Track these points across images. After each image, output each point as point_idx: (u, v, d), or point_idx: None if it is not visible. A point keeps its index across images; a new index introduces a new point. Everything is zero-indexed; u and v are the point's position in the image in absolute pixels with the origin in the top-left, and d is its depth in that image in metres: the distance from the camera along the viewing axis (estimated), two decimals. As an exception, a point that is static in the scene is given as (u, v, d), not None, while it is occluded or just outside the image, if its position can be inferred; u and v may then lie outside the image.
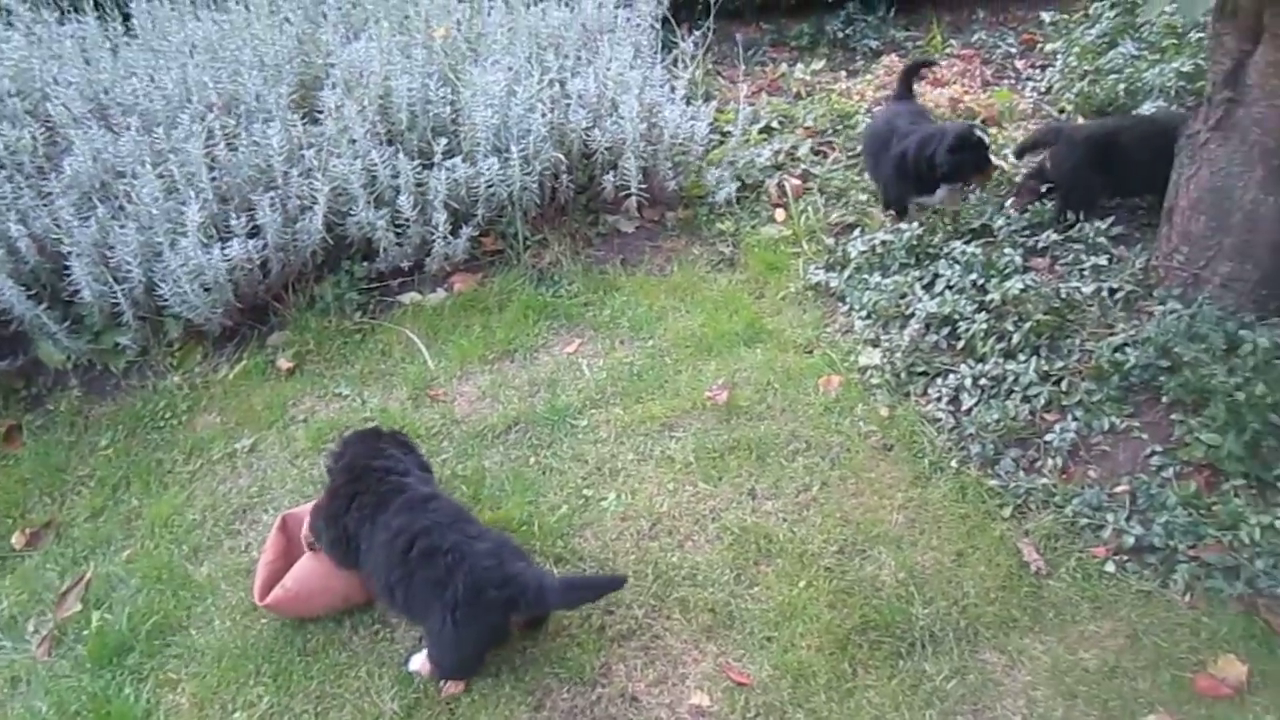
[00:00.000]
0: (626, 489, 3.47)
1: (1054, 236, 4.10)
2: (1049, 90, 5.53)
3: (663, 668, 2.94)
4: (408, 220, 4.24)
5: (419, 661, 2.94)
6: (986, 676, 2.88)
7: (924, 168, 4.20)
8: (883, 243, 4.29)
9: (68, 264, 3.89)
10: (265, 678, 2.99)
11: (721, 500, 3.41)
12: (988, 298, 3.81)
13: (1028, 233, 4.17)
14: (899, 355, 3.83)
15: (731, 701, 2.85)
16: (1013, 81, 5.82)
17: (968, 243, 4.08)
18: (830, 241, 4.54)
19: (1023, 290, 3.75)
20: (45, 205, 4.02)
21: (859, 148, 4.94)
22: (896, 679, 2.88)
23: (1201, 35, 4.80)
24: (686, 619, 3.06)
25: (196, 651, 3.10)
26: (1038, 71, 5.83)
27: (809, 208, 4.74)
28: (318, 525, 3.04)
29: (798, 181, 4.93)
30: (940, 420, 3.62)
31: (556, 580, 2.88)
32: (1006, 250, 3.97)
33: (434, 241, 4.30)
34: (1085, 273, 3.92)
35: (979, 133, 4.19)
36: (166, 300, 3.97)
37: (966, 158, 4.16)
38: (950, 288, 3.94)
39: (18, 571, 3.45)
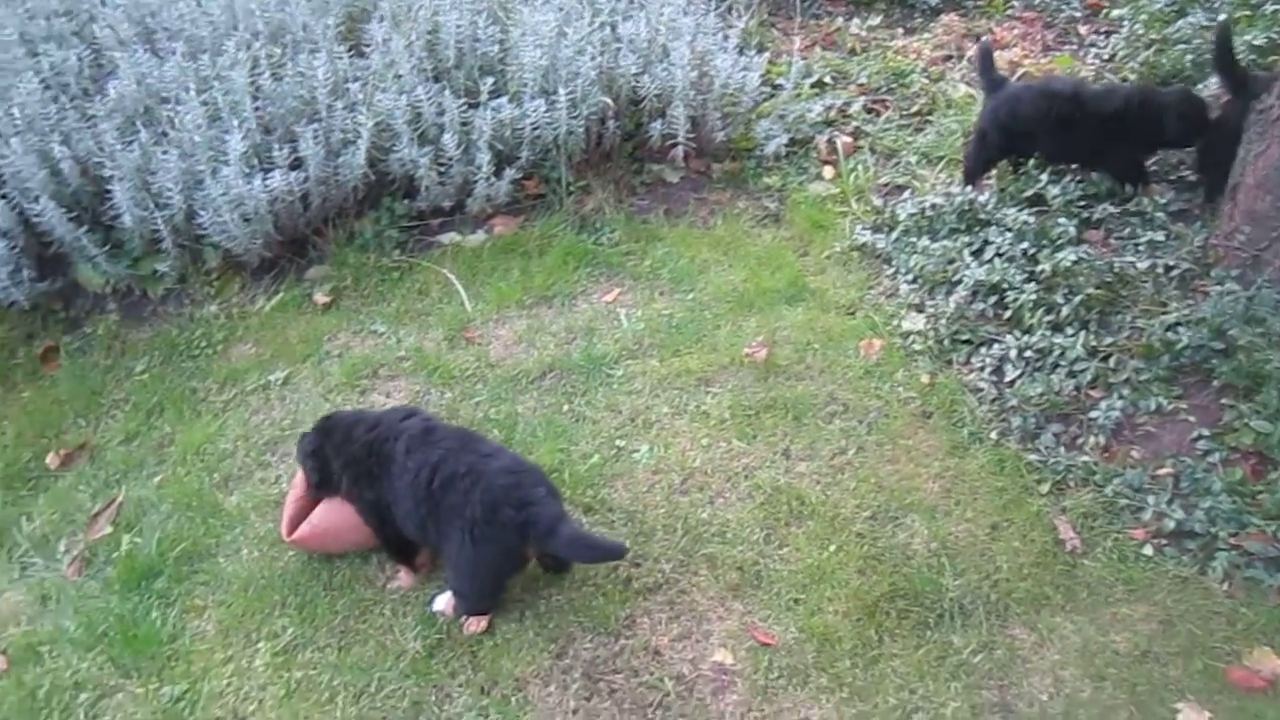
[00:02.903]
0: (659, 442, 3.43)
1: (1110, 209, 3.99)
2: (1112, 58, 5.35)
3: (687, 623, 2.92)
4: (451, 159, 4.18)
5: (443, 602, 2.93)
6: (1015, 653, 2.84)
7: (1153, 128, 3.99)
8: (933, 206, 4.19)
9: (109, 188, 3.87)
10: (290, 609, 3.00)
11: (755, 459, 3.37)
12: (1038, 268, 3.72)
13: (1083, 204, 4.06)
14: (943, 322, 3.75)
15: (755, 661, 2.82)
16: (1075, 47, 5.65)
17: (1020, 210, 3.98)
18: (879, 202, 4.44)
19: (1075, 262, 3.66)
20: (89, 128, 4.00)
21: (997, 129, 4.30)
22: (923, 649, 2.85)
23: (1277, 7, 4.63)
24: (714, 576, 3.03)
25: (223, 579, 3.11)
26: (1101, 38, 5.65)
27: (859, 166, 4.64)
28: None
29: (848, 139, 4.83)
30: (982, 390, 3.55)
31: (570, 527, 2.80)
32: (1060, 220, 3.87)
33: (476, 182, 4.24)
34: (1141, 248, 3.82)
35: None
36: (206, 229, 3.95)
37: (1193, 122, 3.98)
38: (1000, 255, 3.85)
39: (51, 491, 3.47)
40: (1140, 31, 5.26)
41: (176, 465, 3.51)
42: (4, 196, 3.88)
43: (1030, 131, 4.10)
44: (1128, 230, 3.92)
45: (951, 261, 3.93)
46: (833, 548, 3.09)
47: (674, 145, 4.56)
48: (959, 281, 3.85)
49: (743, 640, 2.88)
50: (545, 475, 2.89)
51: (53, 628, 3.03)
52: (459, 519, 2.74)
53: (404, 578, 3.05)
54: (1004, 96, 4.15)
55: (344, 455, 2.97)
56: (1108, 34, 5.65)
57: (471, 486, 2.74)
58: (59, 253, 4.06)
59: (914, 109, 5.07)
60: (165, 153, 3.89)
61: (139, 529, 3.28)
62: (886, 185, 4.58)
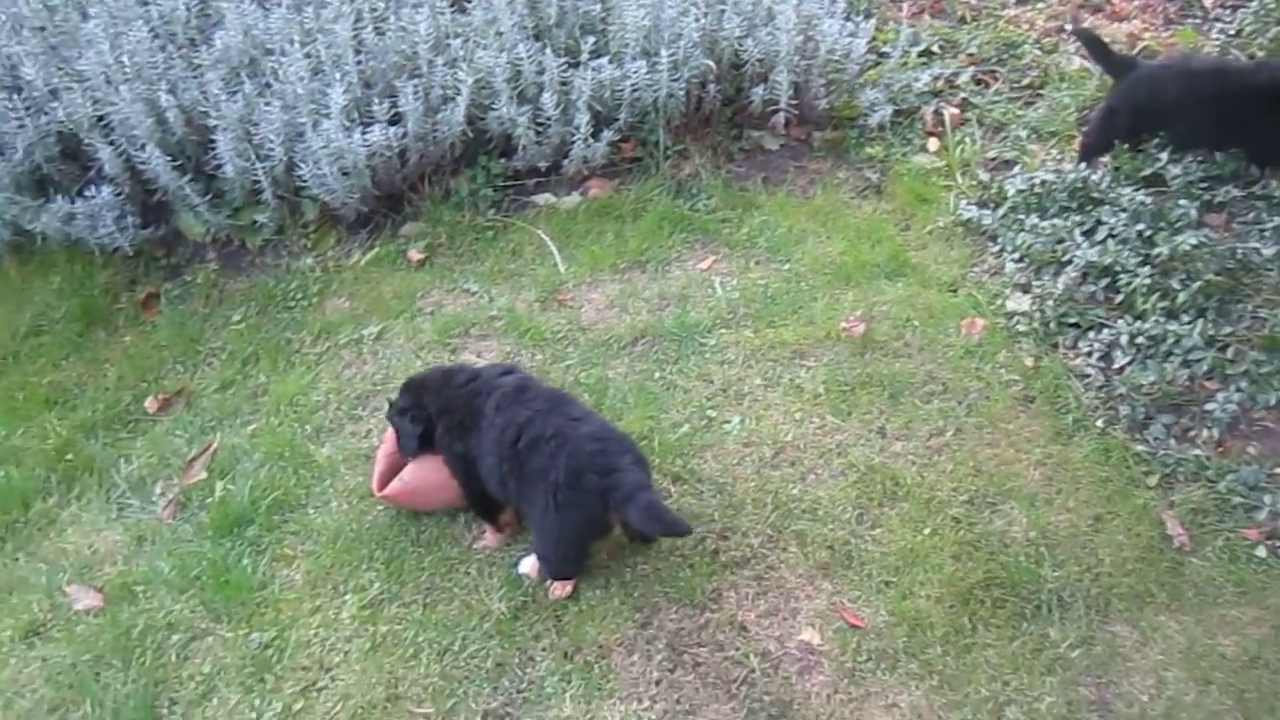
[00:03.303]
0: (751, 414, 3.37)
1: (1234, 192, 3.80)
2: (1239, 33, 5.09)
3: (774, 600, 2.87)
4: (549, 119, 4.13)
5: (529, 564, 2.92)
6: (1115, 650, 2.74)
7: None
8: (1043, 182, 4.03)
9: (213, 138, 3.90)
10: (378, 563, 3.02)
11: (849, 436, 3.29)
12: (1154, 251, 3.56)
13: (1205, 185, 3.87)
14: (1050, 303, 3.62)
15: (843, 642, 2.76)
16: (1198, 21, 5.37)
17: (1137, 190, 3.81)
18: (985, 177, 4.29)
19: (1195, 247, 3.49)
20: (195, 77, 4.03)
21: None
22: (1018, 641, 2.76)
23: None
24: (803, 553, 2.97)
25: (313, 530, 3.14)
26: (1228, 11, 5.37)
27: (965, 139, 4.49)
28: (410, 445, 3.04)
29: (955, 110, 4.67)
30: (1089, 376, 3.42)
31: (647, 497, 2.74)
32: (1181, 202, 3.70)
33: (574, 143, 4.19)
34: (1266, 234, 3.63)
35: None
36: (305, 181, 3.97)
37: None
38: (1113, 237, 3.69)
39: (149, 435, 3.53)
40: (1271, 6, 4.99)
41: (270, 415, 3.54)
42: (112, 143, 3.94)
43: (1166, 113, 3.90)
44: (1252, 215, 3.73)
45: (1061, 241, 3.78)
46: (927, 531, 3.01)
47: (775, 111, 4.45)
48: (1068, 262, 3.70)
49: (831, 620, 2.82)
50: (634, 443, 2.86)
51: (147, 569, 3.09)
52: (543, 482, 2.72)
53: (489, 537, 3.04)
54: (1141, 76, 3.95)
55: (440, 403, 2.98)
56: (1234, 8, 5.37)
57: (557, 450, 2.72)
58: (162, 201, 4.12)
59: (1025, 81, 4.88)
60: (268, 104, 3.91)
61: (232, 476, 3.32)
62: (994, 160, 4.43)
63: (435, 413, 2.98)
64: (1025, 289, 3.74)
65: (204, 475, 3.35)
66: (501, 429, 2.80)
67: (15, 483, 3.36)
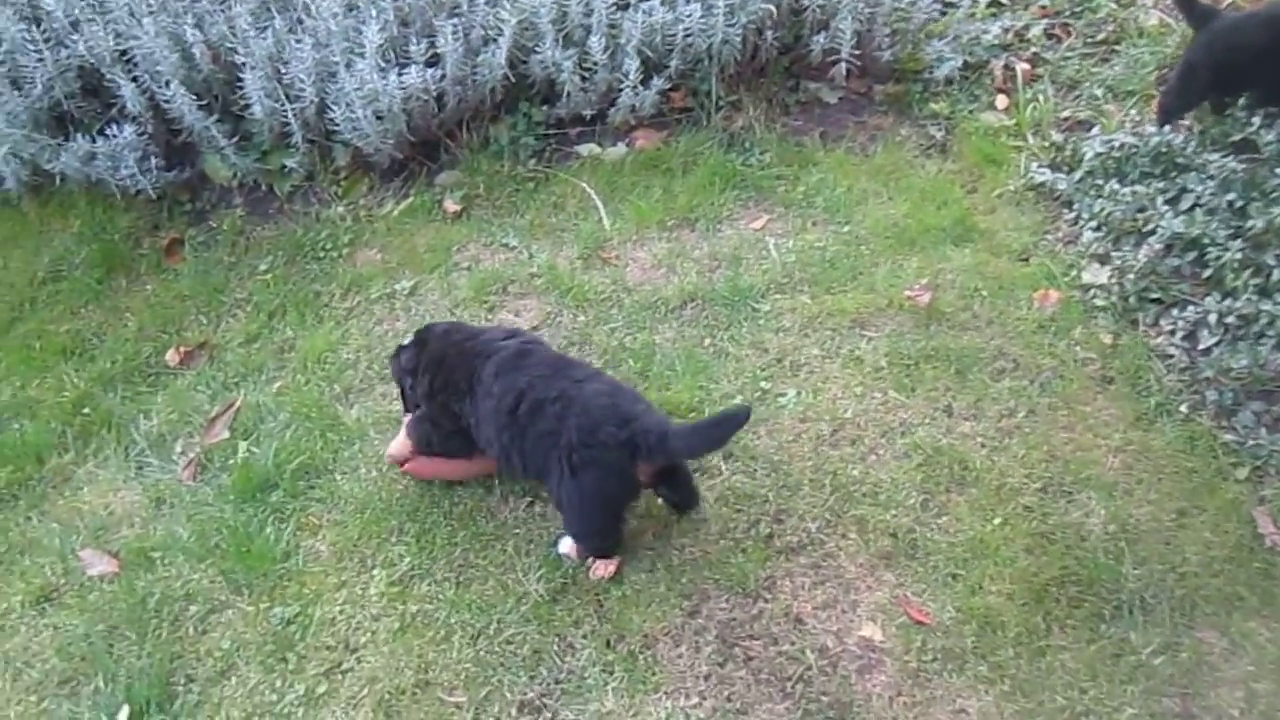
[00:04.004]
0: (808, 387, 3.15)
1: (1336, 161, 3.51)
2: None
3: (833, 590, 2.67)
4: (596, 64, 3.89)
5: (568, 544, 2.73)
6: (1202, 658, 2.52)
7: None
8: (1122, 146, 3.76)
9: (240, 76, 3.69)
10: (408, 537, 2.83)
11: (913, 414, 3.07)
12: (1247, 224, 3.30)
13: (1303, 153, 3.59)
14: (1130, 277, 3.36)
15: (906, 639, 2.56)
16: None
17: (1226, 156, 3.53)
18: (1058, 138, 4.01)
19: (1293, 220, 3.23)
20: (222, 11, 3.80)
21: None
22: (1096, 644, 2.55)
23: None
24: (864, 541, 2.76)
25: (340, 498, 2.96)
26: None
27: (1038, 97, 4.20)
28: (424, 434, 2.85)
29: (1026, 66, 4.38)
30: (1172, 357, 3.17)
31: (681, 427, 2.59)
32: (1278, 171, 3.42)
33: (621, 90, 3.94)
34: (1371, 207, 3.35)
35: None
36: (337, 125, 3.75)
37: None
38: (1200, 206, 3.43)
39: (170, 389, 3.35)
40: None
41: (296, 372, 3.35)
42: (134, 79, 3.72)
43: (1250, 68, 3.61)
44: (1355, 187, 3.45)
45: (1143, 209, 3.51)
46: (997, 520, 2.79)
47: (835, 62, 4.18)
48: (1151, 232, 3.44)
49: (893, 615, 2.62)
50: (643, 397, 2.68)
51: (165, 533, 2.92)
52: (554, 449, 2.53)
53: (399, 446, 2.90)
54: (1221, 27, 3.64)
55: (431, 357, 2.81)
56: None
57: (564, 411, 2.53)
58: (187, 142, 3.92)
59: (1100, 36, 4.57)
60: (299, 41, 3.68)
61: (256, 437, 3.15)
62: (1067, 120, 4.14)
63: (424, 367, 2.80)
64: (1103, 260, 3.49)
65: (226, 435, 3.18)
66: (499, 397, 2.61)
67: (29, 437, 3.20)
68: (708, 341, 3.31)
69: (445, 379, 2.74)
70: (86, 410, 3.28)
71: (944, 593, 2.66)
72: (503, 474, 2.91)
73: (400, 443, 2.90)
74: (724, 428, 2.57)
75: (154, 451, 3.17)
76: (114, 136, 3.68)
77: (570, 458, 2.50)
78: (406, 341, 2.89)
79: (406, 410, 2.94)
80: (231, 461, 3.09)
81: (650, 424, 2.50)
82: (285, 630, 2.66)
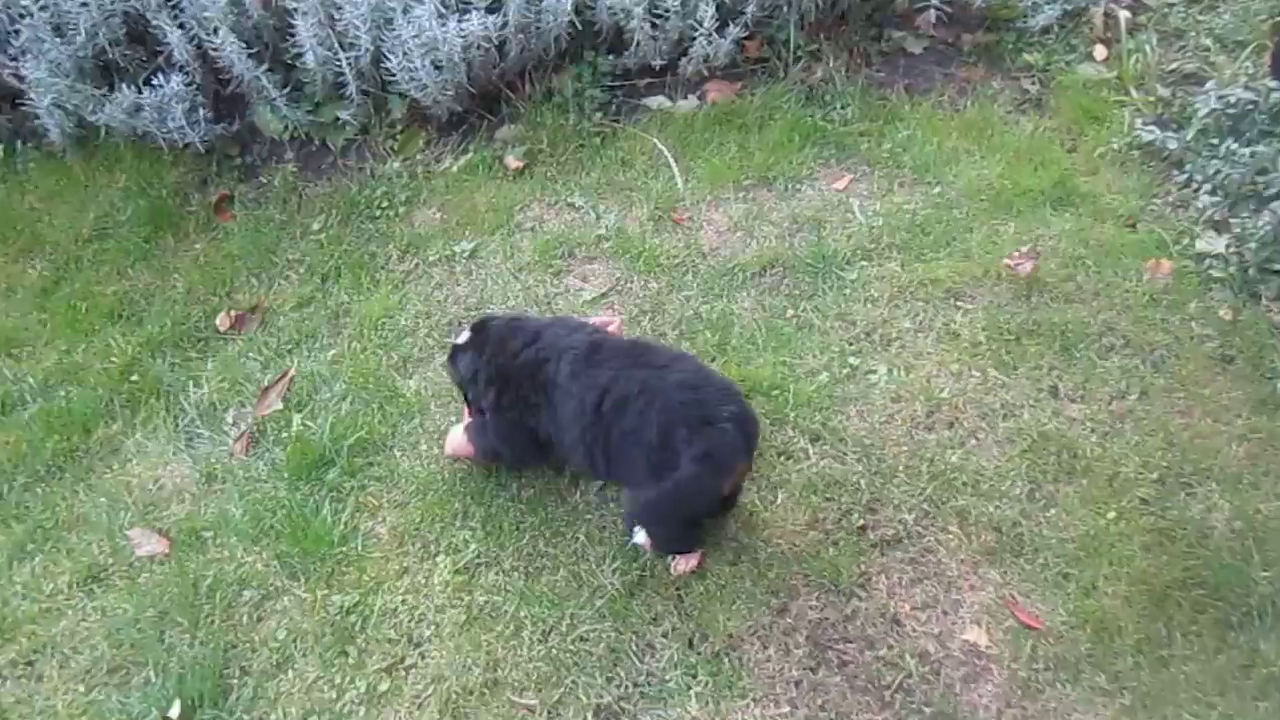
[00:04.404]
0: (900, 363, 2.93)
1: None
2: None
3: (933, 589, 2.47)
4: (667, 11, 3.62)
5: (643, 535, 2.53)
6: (1342, 671, 2.30)
7: None
8: (1238, 101, 3.45)
9: (292, 22, 3.46)
10: (473, 522, 2.65)
11: (1016, 394, 2.83)
12: (1382, 188, 3.01)
13: None
14: (1251, 246, 3.09)
15: (1015, 646, 2.36)
16: None
17: (1358, 114, 3.24)
18: (1164, 92, 3.71)
19: None
20: (274, -48, 3.58)
21: None
22: (1224, 655, 2.34)
23: None
24: (965, 535, 2.55)
25: (400, 477, 2.79)
26: None
27: (1142, 47, 3.88)
28: (489, 450, 2.65)
29: (1128, 13, 4.06)
30: (1300, 335, 2.92)
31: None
32: None
33: (694, 39, 3.69)
34: None
35: None
36: (394, 75, 3.53)
37: None
38: (1329, 169, 3.14)
39: (220, 356, 3.18)
40: None
41: (352, 339, 3.17)
42: (181, 26, 3.52)
43: None
44: None
45: (1264, 172, 3.22)
46: (1111, 515, 2.57)
47: (923, 9, 3.89)
48: (1273, 197, 3.16)
49: (1000, 618, 2.41)
50: (737, 391, 2.43)
51: (217, 512, 2.76)
52: (636, 447, 2.32)
53: (458, 443, 2.71)
54: None
55: (492, 370, 2.55)
56: None
57: (646, 407, 2.31)
58: (236, 93, 3.71)
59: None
60: (354, -15, 3.45)
61: (310, 409, 2.97)
62: (1173, 73, 3.83)
63: (488, 383, 2.55)
64: (1220, 227, 3.22)
65: (280, 406, 3.00)
66: (579, 396, 2.39)
67: (75, 405, 3.04)
68: (790, 312, 3.08)
69: (514, 394, 2.51)
70: (135, 378, 3.11)
71: (1054, 594, 2.44)
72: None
73: (459, 442, 2.71)
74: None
75: (204, 422, 3.01)
76: (160, 87, 3.48)
77: (651, 458, 2.29)
78: (462, 339, 2.65)
79: (471, 413, 2.71)
80: (285, 435, 2.92)
81: (737, 417, 2.29)
82: (344, 620, 2.49)
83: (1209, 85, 3.59)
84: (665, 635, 2.40)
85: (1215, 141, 3.39)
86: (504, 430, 2.57)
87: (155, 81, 3.49)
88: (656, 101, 3.82)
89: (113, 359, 3.16)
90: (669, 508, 2.37)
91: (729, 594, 2.45)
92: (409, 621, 2.48)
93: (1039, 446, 2.70)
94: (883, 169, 3.53)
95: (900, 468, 2.67)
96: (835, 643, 2.38)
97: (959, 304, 3.08)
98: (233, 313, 3.29)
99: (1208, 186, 3.32)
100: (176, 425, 3.01)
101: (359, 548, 2.64)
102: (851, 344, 2.98)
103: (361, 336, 3.17)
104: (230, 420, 3.02)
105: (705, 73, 3.85)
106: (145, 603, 2.57)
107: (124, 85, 3.53)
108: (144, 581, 2.63)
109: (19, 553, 2.72)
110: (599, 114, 3.78)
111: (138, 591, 2.60)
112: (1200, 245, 3.18)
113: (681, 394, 2.31)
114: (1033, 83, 3.86)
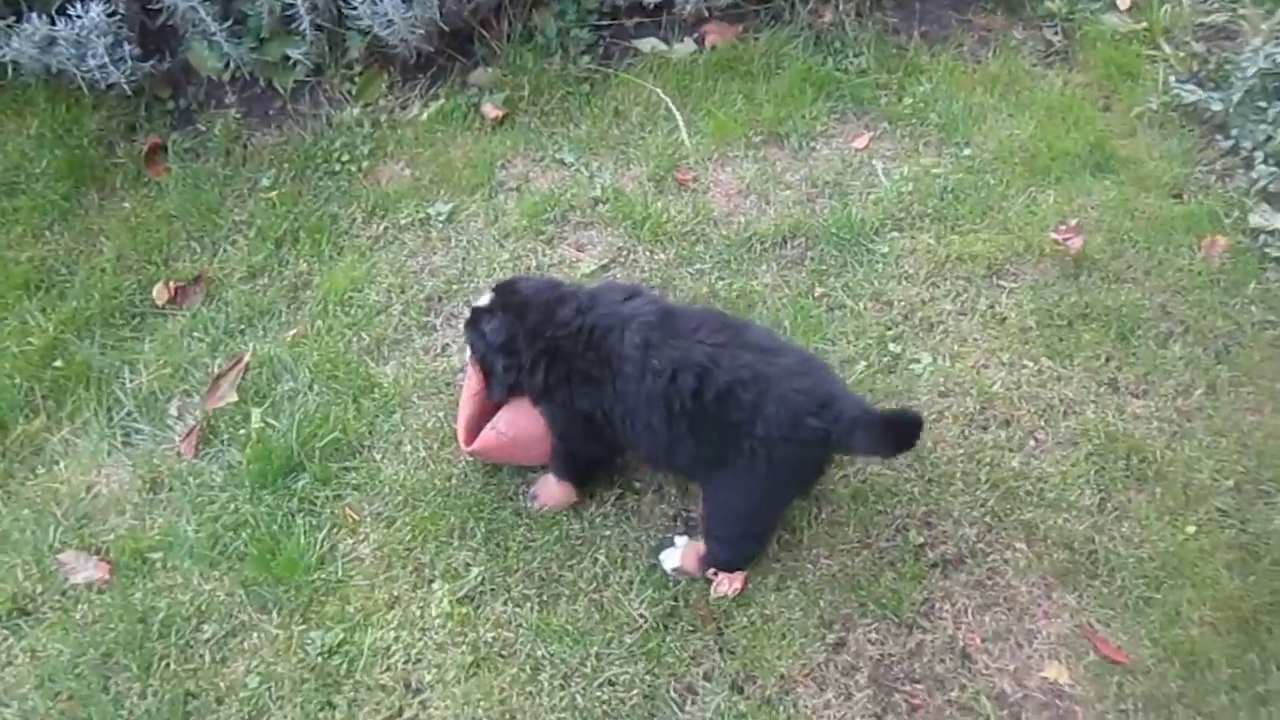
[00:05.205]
0: (944, 351, 2.62)
1: None
2: None
3: (1003, 617, 2.19)
4: (664, -61, 3.23)
5: (678, 557, 2.22)
6: None
7: None
8: (1284, 60, 3.19)
9: (234, -58, 2.99)
10: (473, 540, 2.30)
11: (1074, 388, 2.55)
12: None
13: None
14: (1312, 221, 2.84)
15: (1100, 684, 2.10)
16: None
17: None
18: (1199, 47, 3.43)
19: None
20: None
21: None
22: (1325, 690, 2.10)
23: None
24: (1034, 553, 2.28)
25: (383, 485, 2.41)
26: None
27: (1171, -2, 3.59)
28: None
29: (1152, -41, 3.76)
30: (1370, 320, 2.68)
31: (875, 415, 2.06)
32: None
33: (693, -27, 3.30)
34: None
35: None
36: (354, 8, 3.07)
37: None
38: (1392, 137, 2.89)
39: (159, 335, 2.75)
40: None
41: (315, 317, 2.77)
42: (103, -56, 3.01)
43: None
44: None
45: (1320, 139, 2.97)
46: (1190, 529, 2.31)
47: (938, -52, 3.53)
48: (1333, 167, 2.91)
49: (1080, 651, 2.14)
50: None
51: (165, 527, 2.37)
52: (742, 440, 1.99)
53: (555, 493, 2.32)
54: None
55: (542, 345, 2.16)
56: None
57: (761, 398, 1.98)
58: (168, 25, 3.22)
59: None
60: (308, -99, 2.98)
61: (272, 403, 2.57)
62: (1206, 26, 3.54)
63: (536, 356, 2.16)
64: (1275, 200, 2.95)
65: (234, 398, 2.60)
66: (664, 375, 2.03)
67: (-12, 396, 2.59)
68: (818, 291, 2.75)
69: (568, 369, 2.12)
70: (58, 362, 2.67)
71: (1137, 621, 2.18)
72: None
73: (554, 492, 2.34)
74: (910, 430, 2.02)
75: (143, 415, 2.59)
76: (78, 18, 2.97)
77: (770, 453, 1.99)
78: (483, 301, 2.26)
79: (492, 396, 2.31)
80: (242, 433, 2.52)
81: (847, 408, 2.01)
82: (327, 663, 2.13)
83: (1253, 42, 3.31)
84: (708, 677, 2.09)
85: (1263, 105, 3.12)
86: (564, 424, 2.20)
87: (71, 10, 2.98)
88: (649, 44, 3.43)
89: (30, 340, 2.72)
90: (774, 500, 2.14)
91: (777, 626, 2.15)
92: (405, 663, 2.13)
93: (1105, 449, 2.43)
94: (905, 126, 3.20)
95: (957, 474, 2.38)
96: (901, 683, 2.09)
97: (1001, 283, 2.78)
98: (172, 284, 2.86)
99: (1260, 155, 3.05)
100: (110, 419, 2.59)
101: (339, 573, 2.27)
102: (890, 329, 2.67)
103: (326, 314, 2.77)
104: (174, 413, 2.61)
105: (704, 12, 3.45)
106: (84, 642, 2.18)
107: (34, 14, 3.01)
108: (81, 615, 2.23)
109: (-76, 580, 2.29)
110: (585, 57, 3.38)
111: (74, 628, 2.20)
112: (1255, 219, 2.92)
113: (799, 381, 2.01)
114: (1056, 33, 3.54)
